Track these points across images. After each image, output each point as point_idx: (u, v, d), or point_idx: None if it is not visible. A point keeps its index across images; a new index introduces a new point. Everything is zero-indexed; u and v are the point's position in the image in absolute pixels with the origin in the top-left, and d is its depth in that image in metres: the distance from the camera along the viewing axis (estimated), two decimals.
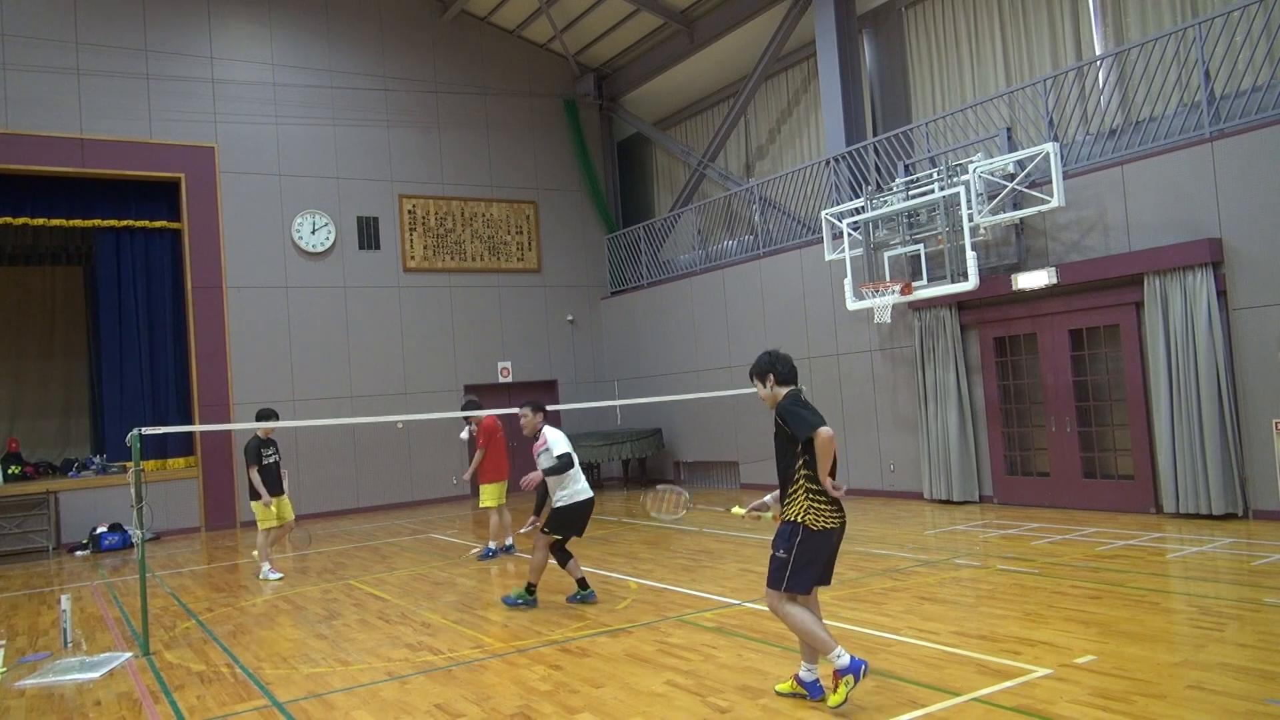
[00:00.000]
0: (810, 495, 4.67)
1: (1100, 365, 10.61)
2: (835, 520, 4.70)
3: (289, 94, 16.62)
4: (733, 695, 5.10)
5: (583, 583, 7.73)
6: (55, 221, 15.04)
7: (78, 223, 15.24)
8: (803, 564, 4.62)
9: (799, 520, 4.67)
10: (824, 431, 4.62)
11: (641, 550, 10.27)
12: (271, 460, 10.13)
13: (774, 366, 4.93)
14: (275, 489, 10.12)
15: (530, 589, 7.65)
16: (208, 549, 13.20)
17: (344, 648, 6.83)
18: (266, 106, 16.39)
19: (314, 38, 16.99)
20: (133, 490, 7.12)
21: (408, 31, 17.93)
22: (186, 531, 15.10)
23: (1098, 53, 11.44)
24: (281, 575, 10.16)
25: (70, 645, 7.49)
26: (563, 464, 7.59)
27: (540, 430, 7.90)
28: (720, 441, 16.00)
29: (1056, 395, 10.76)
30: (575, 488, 7.64)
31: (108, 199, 15.43)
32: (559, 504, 7.63)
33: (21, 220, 14.82)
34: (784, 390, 4.90)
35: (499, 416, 10.83)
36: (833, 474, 4.70)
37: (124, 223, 15.53)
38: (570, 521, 7.64)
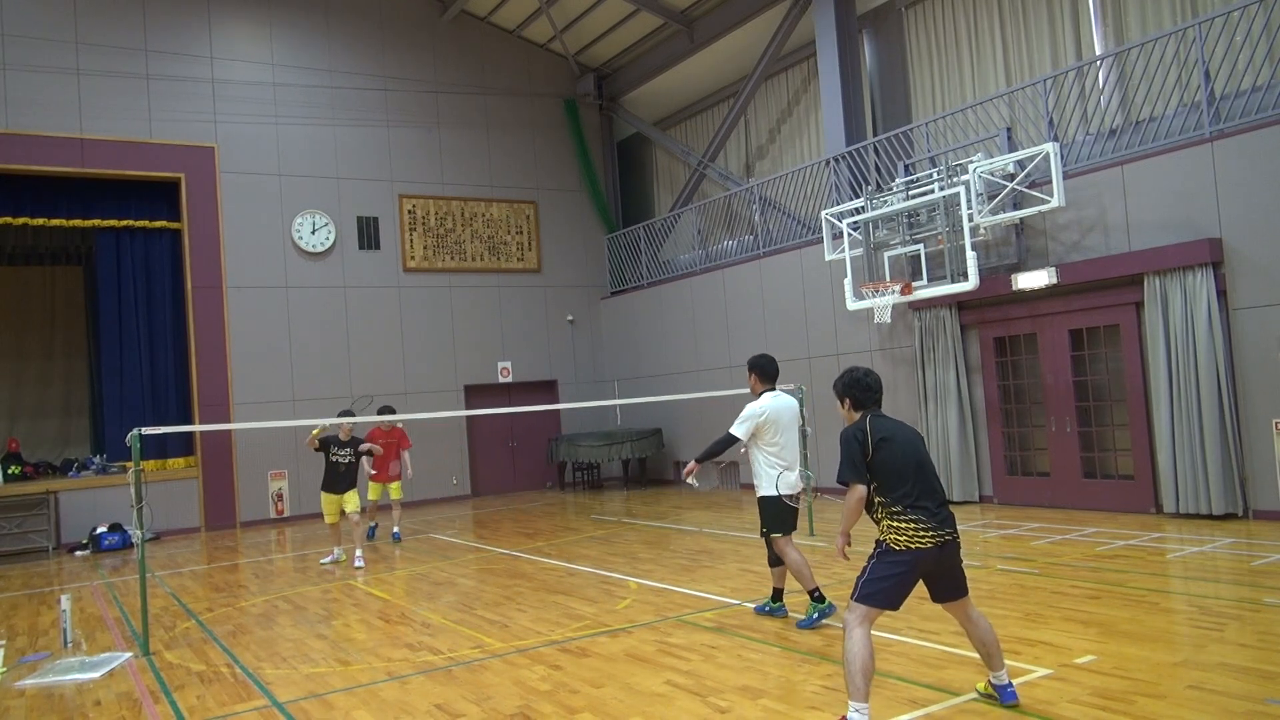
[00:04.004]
0: (890, 516, 4.50)
1: (1100, 365, 10.61)
2: (926, 540, 4.41)
3: (289, 94, 16.62)
4: (733, 695, 5.10)
5: (777, 594, 6.82)
6: (55, 221, 15.04)
7: (78, 223, 15.24)
8: (877, 577, 4.45)
9: (881, 539, 4.54)
10: (855, 491, 4.54)
11: (641, 550, 10.27)
12: (335, 459, 10.74)
13: (849, 392, 4.82)
14: (331, 485, 10.77)
15: (814, 595, 6.49)
16: (208, 549, 13.20)
17: (344, 648, 6.83)
18: (266, 106, 16.39)
19: (314, 38, 16.99)
20: (133, 490, 7.12)
21: (408, 31, 17.93)
22: (186, 531, 15.10)
23: (1098, 53, 11.44)
24: (360, 565, 10.49)
25: (70, 645, 7.49)
26: (710, 447, 6.70)
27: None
28: None
29: (1056, 395, 10.76)
30: (769, 475, 6.61)
31: (108, 199, 15.42)
32: (759, 493, 6.70)
33: (21, 220, 14.81)
34: (858, 415, 4.78)
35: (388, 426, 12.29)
36: (910, 506, 4.46)
37: (124, 223, 15.52)
38: (776, 516, 6.63)
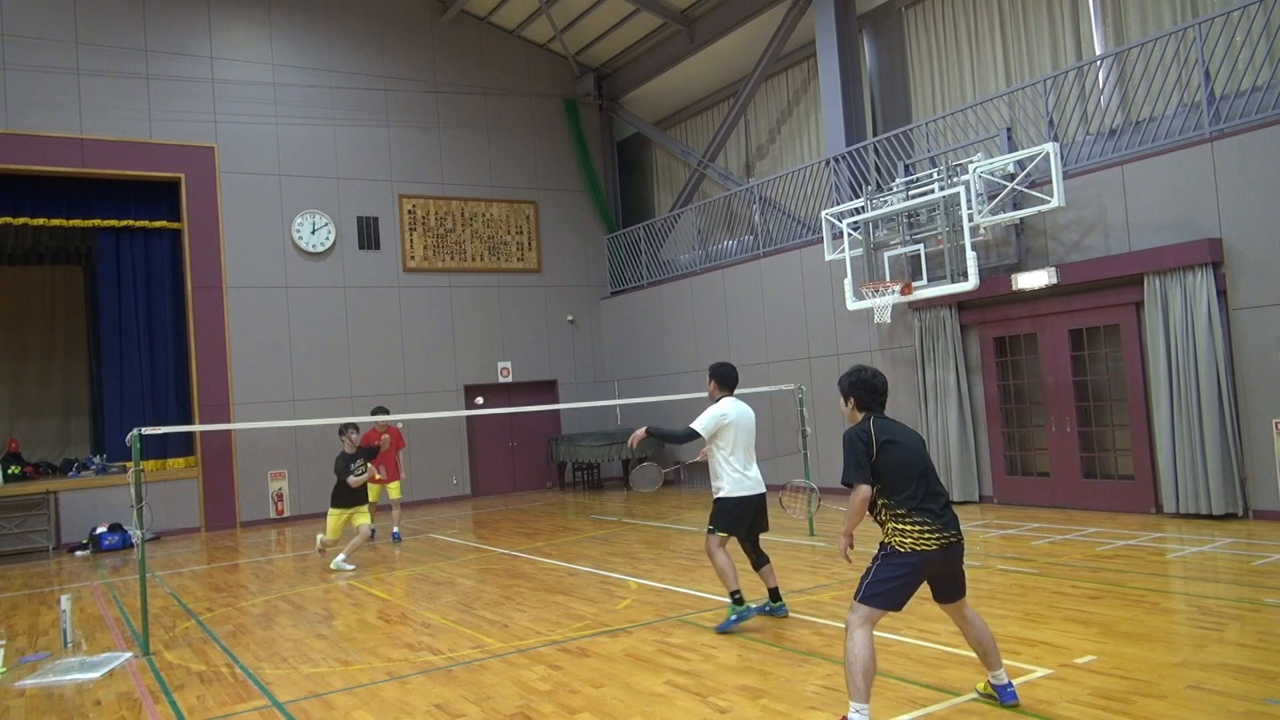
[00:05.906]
0: (895, 518, 4.47)
1: (1100, 365, 10.61)
2: (932, 543, 4.39)
3: (289, 94, 16.62)
4: (733, 695, 5.10)
5: (774, 593, 6.78)
6: (55, 221, 15.04)
7: (78, 223, 15.24)
8: (881, 578, 4.42)
9: (885, 541, 4.51)
10: (859, 492, 4.49)
11: (641, 550, 10.27)
12: (352, 474, 10.47)
13: (854, 391, 4.75)
14: (342, 500, 10.50)
15: (735, 598, 6.56)
16: (208, 549, 13.20)
17: (344, 648, 6.83)
18: (266, 106, 16.39)
19: (314, 38, 16.99)
20: (133, 490, 7.12)
21: (408, 31, 17.93)
22: (186, 531, 15.10)
23: (1098, 53, 11.44)
24: (352, 567, 10.38)
25: (70, 645, 7.49)
26: (667, 430, 6.87)
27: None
28: None
29: (1056, 395, 10.76)
30: (731, 477, 6.66)
31: (108, 199, 15.42)
32: (716, 494, 6.75)
33: (21, 220, 14.82)
34: (861, 415, 4.72)
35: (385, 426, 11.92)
36: (916, 509, 4.43)
37: (124, 223, 15.53)
38: (726, 517, 6.67)
